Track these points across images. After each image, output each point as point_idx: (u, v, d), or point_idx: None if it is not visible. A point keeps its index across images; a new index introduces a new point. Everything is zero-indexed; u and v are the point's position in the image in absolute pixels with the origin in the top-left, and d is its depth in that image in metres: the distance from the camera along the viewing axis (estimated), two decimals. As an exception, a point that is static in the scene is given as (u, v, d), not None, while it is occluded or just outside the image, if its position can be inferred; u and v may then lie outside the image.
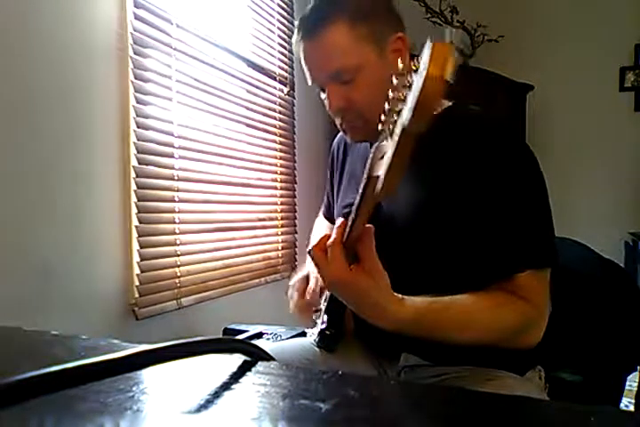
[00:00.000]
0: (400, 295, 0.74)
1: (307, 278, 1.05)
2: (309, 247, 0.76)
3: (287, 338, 1.74)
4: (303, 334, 1.80)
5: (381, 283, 0.71)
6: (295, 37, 0.95)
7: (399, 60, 0.50)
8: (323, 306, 1.09)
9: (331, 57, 0.90)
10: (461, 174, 0.87)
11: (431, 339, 0.79)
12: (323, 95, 0.97)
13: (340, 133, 1.22)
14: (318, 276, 1.03)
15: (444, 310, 0.78)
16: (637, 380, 1.23)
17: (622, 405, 1.12)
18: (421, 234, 0.90)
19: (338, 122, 0.98)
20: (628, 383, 1.06)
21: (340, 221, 0.74)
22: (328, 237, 0.74)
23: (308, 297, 1.01)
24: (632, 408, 1.29)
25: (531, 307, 0.82)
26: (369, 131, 0.94)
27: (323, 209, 1.32)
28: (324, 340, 0.99)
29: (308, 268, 1.10)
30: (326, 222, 1.29)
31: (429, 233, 0.89)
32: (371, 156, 0.62)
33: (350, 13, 0.90)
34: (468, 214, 0.86)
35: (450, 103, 0.97)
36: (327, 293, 1.04)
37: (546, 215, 0.86)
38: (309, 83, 0.98)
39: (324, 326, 0.97)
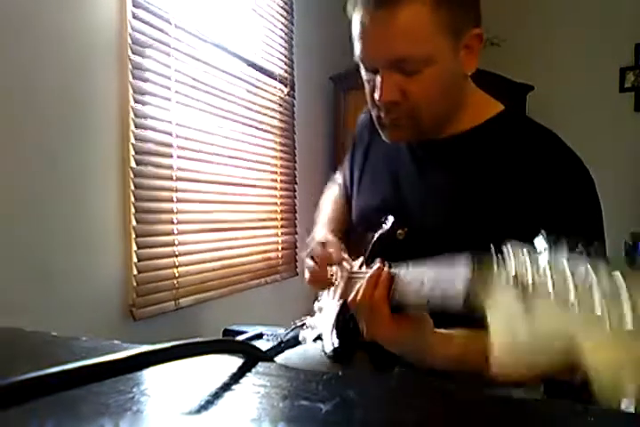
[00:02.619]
0: (442, 331, 0.71)
1: (324, 246, 0.99)
2: (351, 299, 0.73)
3: (286, 338, 1.74)
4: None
5: (427, 328, 0.69)
6: (356, 2, 0.80)
7: None
8: (325, 320, 1.03)
9: (401, 40, 0.76)
10: (517, 185, 0.80)
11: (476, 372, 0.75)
12: (366, 75, 0.85)
13: (364, 120, 1.10)
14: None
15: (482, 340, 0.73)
16: (637, 380, 1.22)
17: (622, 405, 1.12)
18: (464, 241, 0.80)
19: (377, 114, 0.86)
20: (628, 383, 1.06)
21: (384, 273, 0.70)
22: (374, 284, 0.69)
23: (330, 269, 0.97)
24: (632, 408, 1.29)
25: None
26: (414, 132, 0.86)
27: (340, 181, 1.21)
28: (336, 356, 0.94)
29: (321, 234, 1.05)
30: (340, 202, 1.19)
31: (473, 241, 0.80)
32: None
33: None
34: (519, 224, 0.74)
35: (503, 107, 0.91)
36: (335, 308, 0.99)
37: (601, 233, 0.77)
38: (358, 59, 0.83)
39: (337, 344, 0.94)
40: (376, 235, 0.93)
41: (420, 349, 0.71)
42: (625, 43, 3.15)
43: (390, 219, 0.90)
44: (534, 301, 0.40)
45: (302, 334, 1.13)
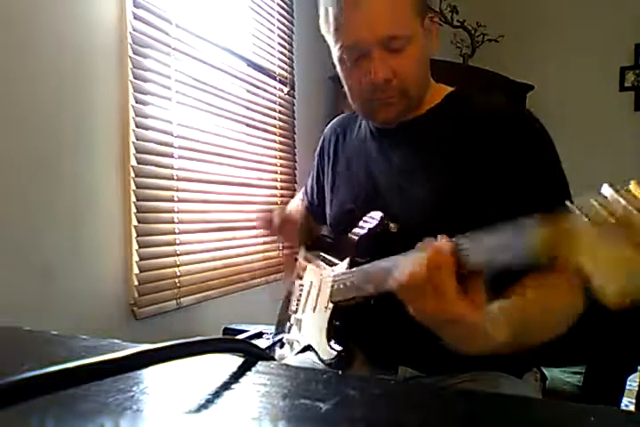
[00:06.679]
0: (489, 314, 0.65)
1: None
2: (409, 273, 0.62)
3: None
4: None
5: (484, 309, 0.63)
6: None
7: None
8: (310, 330, 1.01)
9: (389, 19, 0.83)
10: (487, 157, 0.84)
11: (522, 347, 0.71)
12: (351, 65, 0.88)
13: (332, 123, 1.16)
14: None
15: (526, 312, 0.71)
16: (637, 380, 1.22)
17: (622, 405, 1.12)
18: (454, 222, 0.74)
19: (368, 99, 0.90)
20: (628, 383, 1.07)
21: (444, 241, 0.63)
22: (437, 255, 0.61)
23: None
24: (632, 408, 1.29)
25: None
26: (403, 108, 0.91)
27: (304, 199, 1.27)
28: (339, 362, 0.90)
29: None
30: (302, 212, 1.23)
31: (463, 221, 0.73)
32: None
33: None
34: (497, 187, 0.81)
35: (452, 88, 0.97)
36: (324, 313, 0.97)
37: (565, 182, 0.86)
38: (344, 48, 0.87)
39: (339, 348, 0.90)
40: (363, 231, 0.92)
41: (479, 330, 0.63)
42: (625, 42, 3.15)
43: (378, 214, 0.90)
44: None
45: (279, 353, 1.09)
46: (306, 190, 1.26)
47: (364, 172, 1.00)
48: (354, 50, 0.87)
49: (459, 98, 0.95)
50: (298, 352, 1.03)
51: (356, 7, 0.83)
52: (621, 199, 0.43)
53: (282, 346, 1.10)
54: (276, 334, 1.15)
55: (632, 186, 0.43)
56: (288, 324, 1.11)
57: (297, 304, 1.10)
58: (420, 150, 0.92)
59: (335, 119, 1.17)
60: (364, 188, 0.99)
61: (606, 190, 0.45)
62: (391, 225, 0.88)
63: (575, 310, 0.76)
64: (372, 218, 0.91)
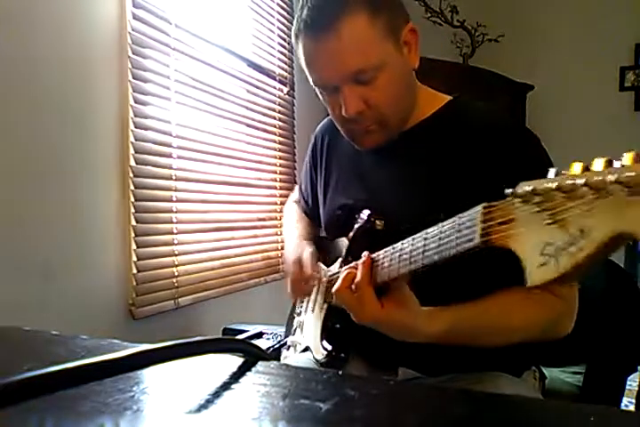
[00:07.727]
0: (429, 309, 0.73)
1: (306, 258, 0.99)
2: (335, 288, 0.74)
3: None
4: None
5: (412, 307, 0.72)
6: (298, 34, 0.84)
7: None
8: (309, 331, 1.01)
9: (351, 56, 0.80)
10: (480, 167, 0.83)
11: (466, 345, 0.78)
12: (326, 97, 0.90)
13: (323, 124, 1.16)
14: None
15: (476, 316, 0.76)
16: (637, 380, 1.22)
17: (622, 405, 1.12)
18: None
19: (347, 128, 0.91)
20: (628, 383, 1.06)
21: (364, 257, 0.74)
22: (353, 274, 0.73)
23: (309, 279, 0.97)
24: (632, 408, 1.29)
25: (560, 301, 0.79)
26: (385, 133, 0.89)
27: (300, 201, 1.25)
28: (332, 362, 0.90)
29: (299, 249, 1.04)
30: (304, 217, 1.22)
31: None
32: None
33: (368, 3, 0.80)
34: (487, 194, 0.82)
35: (451, 97, 0.95)
36: (320, 314, 0.97)
37: None
38: (315, 84, 0.88)
39: (329, 347, 0.91)
40: (353, 230, 0.92)
41: (406, 328, 0.73)
42: (625, 42, 3.15)
43: (366, 212, 0.90)
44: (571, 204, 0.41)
45: (284, 354, 1.10)
46: (300, 189, 1.25)
47: (358, 178, 0.99)
48: (324, 86, 0.87)
49: (453, 109, 0.92)
50: (300, 352, 1.03)
51: (317, 46, 0.82)
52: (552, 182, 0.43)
53: (288, 349, 1.10)
54: (284, 338, 1.15)
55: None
56: (294, 327, 1.12)
57: (301, 307, 1.10)
58: (412, 164, 0.91)
59: (327, 120, 1.14)
60: (357, 193, 0.98)
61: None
62: (377, 222, 0.87)
63: (533, 323, 0.79)
64: (361, 217, 0.91)
